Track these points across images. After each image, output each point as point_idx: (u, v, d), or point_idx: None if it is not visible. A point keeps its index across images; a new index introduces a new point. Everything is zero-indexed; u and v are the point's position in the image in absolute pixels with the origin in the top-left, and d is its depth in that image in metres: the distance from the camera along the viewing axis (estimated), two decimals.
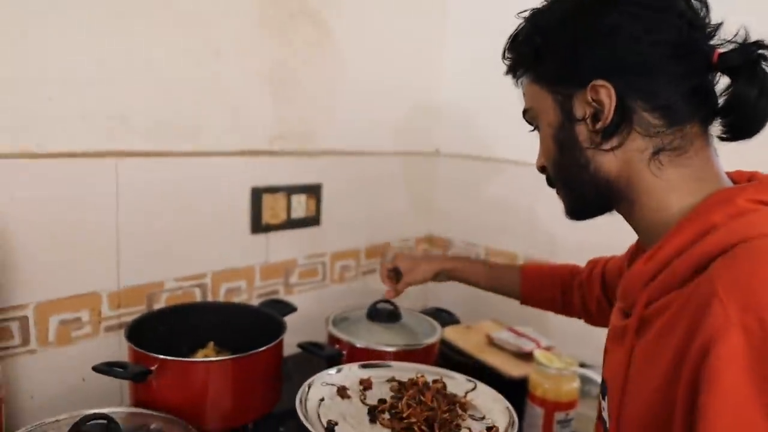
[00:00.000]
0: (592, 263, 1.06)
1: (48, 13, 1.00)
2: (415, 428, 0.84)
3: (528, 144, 0.86)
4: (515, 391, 1.14)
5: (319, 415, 0.89)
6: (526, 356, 1.31)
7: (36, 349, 1.06)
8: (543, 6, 0.73)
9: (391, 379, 1.00)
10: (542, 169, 0.79)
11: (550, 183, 0.78)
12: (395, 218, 1.76)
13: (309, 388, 0.94)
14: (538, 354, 1.14)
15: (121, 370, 0.87)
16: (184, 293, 1.26)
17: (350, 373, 1.01)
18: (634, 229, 0.73)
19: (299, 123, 1.43)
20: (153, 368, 0.88)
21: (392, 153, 1.70)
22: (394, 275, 1.22)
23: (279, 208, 1.40)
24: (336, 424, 0.86)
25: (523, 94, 0.77)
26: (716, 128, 0.68)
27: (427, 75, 1.78)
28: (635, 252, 0.84)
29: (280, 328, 1.03)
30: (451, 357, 1.32)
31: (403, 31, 1.67)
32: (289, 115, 1.40)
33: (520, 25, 0.75)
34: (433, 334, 1.20)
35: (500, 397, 0.95)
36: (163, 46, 1.16)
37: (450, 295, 1.61)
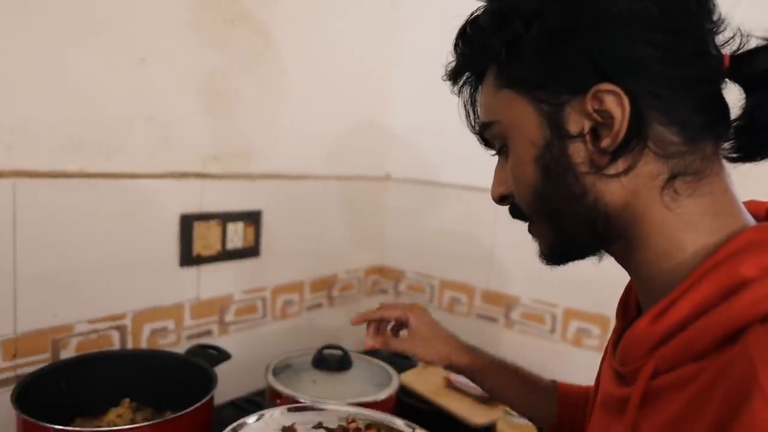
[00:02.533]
0: None
1: None
2: None
3: (487, 168, 0.69)
4: None
5: None
6: (490, 400, 1.19)
7: None
8: None
9: (318, 425, 0.87)
10: (501, 199, 0.63)
11: (517, 215, 0.62)
12: (343, 248, 1.62)
13: None
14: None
15: None
16: (99, 337, 1.08)
17: (271, 421, 0.87)
18: (633, 275, 0.58)
19: (237, 142, 1.28)
20: None
21: (339, 177, 1.57)
22: (397, 329, 0.98)
23: (212, 238, 1.24)
24: None
25: (471, 104, 0.63)
26: (725, 147, 0.54)
27: (378, 95, 1.67)
28: (627, 301, 0.65)
29: (210, 382, 0.86)
30: (408, 403, 1.18)
31: (352, 48, 1.55)
32: (225, 133, 1.25)
33: (478, 8, 0.58)
34: (389, 384, 1.06)
35: None
36: (77, 49, 0.99)
37: None
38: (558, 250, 0.60)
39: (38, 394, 0.79)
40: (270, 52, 1.32)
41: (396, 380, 1.08)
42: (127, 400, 0.92)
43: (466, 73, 0.62)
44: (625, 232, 0.55)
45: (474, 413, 1.16)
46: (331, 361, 1.07)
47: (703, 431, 0.44)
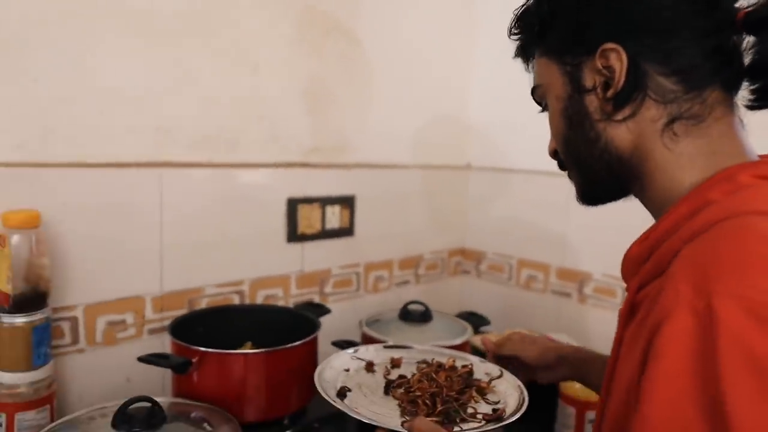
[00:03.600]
0: None
1: (101, 35, 1.08)
2: (419, 402, 0.85)
3: None
4: (547, 392, 1.15)
5: (337, 382, 0.91)
6: None
7: (84, 349, 1.11)
8: None
9: (422, 361, 1.00)
10: (554, 153, 0.73)
11: (562, 166, 0.73)
12: (427, 230, 1.79)
13: (333, 360, 0.96)
14: None
15: (164, 360, 0.92)
16: (224, 299, 1.31)
17: (382, 352, 1.03)
18: (650, 211, 0.66)
19: (333, 136, 1.49)
20: (194, 360, 0.92)
21: (424, 166, 1.74)
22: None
23: (314, 219, 1.45)
24: (349, 390, 0.88)
25: (533, 73, 0.73)
26: (744, 95, 0.62)
27: (458, 90, 1.83)
28: None
29: (315, 327, 1.06)
30: None
31: (433, 46, 1.72)
32: (323, 129, 1.46)
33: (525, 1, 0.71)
34: (464, 335, 1.22)
35: (520, 384, 0.92)
36: (206, 63, 1.23)
37: (483, 300, 1.63)
38: (588, 192, 0.70)
39: (183, 333, 1.01)
40: (360, 57, 1.51)
41: (470, 332, 1.24)
42: (249, 343, 1.13)
43: (525, 51, 0.73)
44: (636, 172, 0.63)
45: None
46: (415, 314, 1.25)
47: (641, 346, 0.51)
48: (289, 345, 0.98)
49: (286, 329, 1.12)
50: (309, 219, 1.44)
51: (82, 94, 1.07)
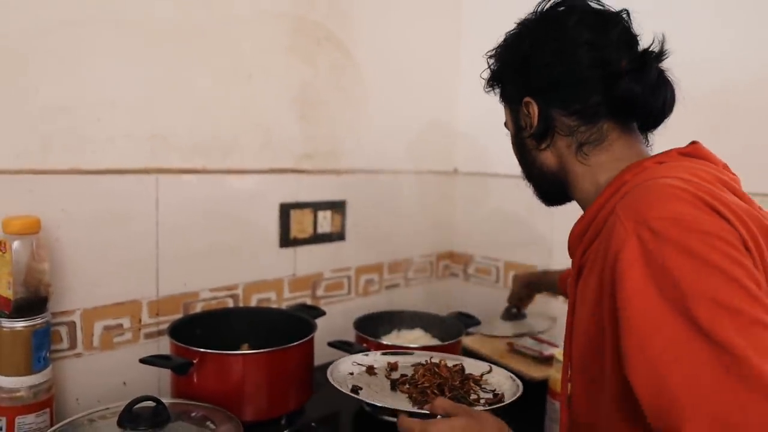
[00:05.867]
0: None
1: (98, 43, 1.10)
2: (428, 392, 0.95)
3: None
4: (536, 391, 1.18)
5: (346, 383, 0.99)
6: (547, 360, 1.35)
7: (82, 353, 1.13)
8: (502, 42, 0.90)
9: (416, 364, 1.07)
10: None
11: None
12: (417, 235, 1.83)
13: (338, 365, 1.05)
14: (558, 353, 1.18)
15: (166, 361, 0.94)
16: (218, 303, 1.33)
17: (379, 358, 1.11)
18: (582, 208, 0.85)
19: (325, 143, 1.52)
20: (195, 361, 0.94)
21: (413, 171, 1.78)
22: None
23: (306, 223, 1.48)
24: (360, 389, 0.97)
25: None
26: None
27: (446, 97, 1.87)
28: None
29: (311, 328, 1.09)
30: None
31: (421, 54, 1.76)
32: (315, 135, 1.49)
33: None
34: (457, 336, 1.25)
35: (511, 375, 1.04)
36: (201, 72, 1.25)
37: (471, 302, 1.67)
38: (542, 197, 0.93)
39: (182, 336, 1.03)
40: (351, 66, 1.55)
41: (462, 330, 1.27)
42: (246, 344, 1.16)
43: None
44: (566, 182, 0.85)
45: (532, 370, 1.33)
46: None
47: (598, 269, 0.70)
48: (288, 345, 1.00)
49: (281, 331, 1.14)
50: (301, 224, 1.47)
51: (80, 102, 1.09)
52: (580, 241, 0.79)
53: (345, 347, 1.11)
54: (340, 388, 0.93)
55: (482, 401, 0.95)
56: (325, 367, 1.26)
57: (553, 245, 1.65)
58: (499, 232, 1.80)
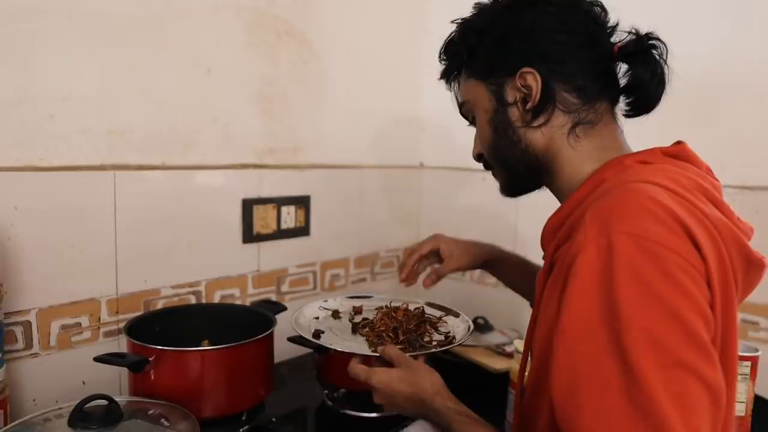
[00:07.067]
0: None
1: (50, 35, 1.08)
2: (384, 335, 1.03)
3: None
4: (498, 382, 1.19)
5: (310, 327, 1.09)
6: (510, 356, 1.37)
7: (38, 353, 1.10)
8: (473, 13, 0.86)
9: (379, 308, 1.17)
10: (479, 157, 0.92)
11: (487, 166, 0.92)
12: (383, 229, 1.83)
13: (305, 309, 1.17)
14: (518, 344, 1.19)
15: (120, 359, 0.93)
16: (180, 300, 1.32)
17: (345, 302, 1.24)
18: (558, 198, 0.84)
19: (287, 137, 1.51)
20: (151, 358, 0.94)
21: (378, 166, 1.78)
22: (435, 259, 1.27)
23: (269, 219, 1.47)
24: (322, 332, 1.06)
25: (457, 93, 0.91)
26: (622, 107, 0.83)
27: (410, 91, 1.87)
28: None
29: (270, 324, 1.08)
30: (438, 356, 1.37)
31: (385, 48, 1.76)
32: (277, 130, 1.48)
33: (453, 31, 0.88)
34: None
35: (468, 319, 1.14)
36: (159, 66, 1.24)
37: (438, 296, 1.67)
38: (511, 187, 0.90)
39: (140, 334, 1.02)
40: (313, 60, 1.54)
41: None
42: (206, 341, 1.15)
43: (450, 73, 0.91)
44: (548, 167, 0.82)
45: (494, 362, 1.34)
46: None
47: (562, 279, 0.68)
48: (245, 341, 1.00)
49: (243, 327, 1.13)
50: (264, 219, 1.46)
51: (30, 96, 1.06)
52: (553, 236, 0.77)
53: (304, 342, 1.11)
54: (302, 333, 1.01)
55: (434, 343, 1.03)
56: (287, 363, 1.27)
57: (517, 238, 1.67)
58: (465, 225, 1.81)
